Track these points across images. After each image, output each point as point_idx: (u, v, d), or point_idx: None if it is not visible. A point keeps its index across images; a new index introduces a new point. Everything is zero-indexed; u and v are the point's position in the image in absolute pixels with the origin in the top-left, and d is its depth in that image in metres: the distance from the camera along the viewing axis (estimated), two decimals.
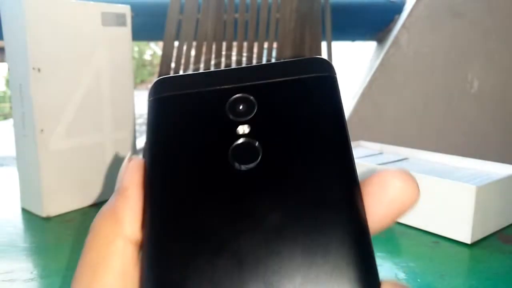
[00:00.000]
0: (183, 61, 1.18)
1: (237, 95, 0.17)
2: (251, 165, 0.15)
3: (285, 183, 0.15)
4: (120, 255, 0.17)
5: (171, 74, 1.16)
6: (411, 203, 0.17)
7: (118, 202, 0.19)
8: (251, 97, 0.17)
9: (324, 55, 1.30)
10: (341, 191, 0.15)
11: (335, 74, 0.18)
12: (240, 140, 0.16)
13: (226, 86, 0.17)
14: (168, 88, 0.18)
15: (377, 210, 0.16)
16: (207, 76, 0.18)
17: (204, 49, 1.15)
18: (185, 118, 0.17)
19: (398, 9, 1.46)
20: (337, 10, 1.31)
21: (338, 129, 0.16)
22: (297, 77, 0.17)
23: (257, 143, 0.16)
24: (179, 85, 0.18)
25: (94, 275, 0.18)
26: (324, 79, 0.18)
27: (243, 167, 0.15)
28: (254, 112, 0.17)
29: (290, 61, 0.19)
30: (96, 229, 0.19)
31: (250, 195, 0.15)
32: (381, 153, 0.60)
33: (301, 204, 0.15)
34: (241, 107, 0.17)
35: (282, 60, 0.19)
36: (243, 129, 0.16)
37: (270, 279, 0.14)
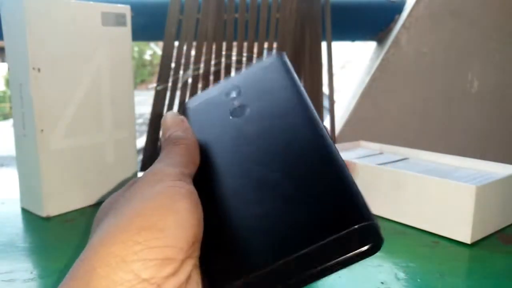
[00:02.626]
0: (183, 61, 1.18)
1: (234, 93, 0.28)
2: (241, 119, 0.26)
3: (261, 126, 0.25)
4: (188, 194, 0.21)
5: (171, 74, 1.16)
6: None
7: (178, 148, 0.24)
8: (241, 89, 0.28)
9: (324, 55, 1.30)
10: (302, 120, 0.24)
11: (284, 59, 0.29)
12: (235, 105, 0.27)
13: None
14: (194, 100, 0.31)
15: None
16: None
17: (204, 49, 1.15)
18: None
19: (398, 9, 1.46)
20: (337, 10, 1.31)
21: (296, 95, 0.25)
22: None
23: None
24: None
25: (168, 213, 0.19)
26: (275, 63, 0.28)
27: (238, 120, 0.26)
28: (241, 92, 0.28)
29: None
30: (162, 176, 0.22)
31: (241, 134, 0.25)
32: (381, 153, 0.60)
33: (274, 136, 0.24)
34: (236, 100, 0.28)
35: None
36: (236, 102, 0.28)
37: (255, 170, 0.22)
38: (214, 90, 0.30)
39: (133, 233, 0.18)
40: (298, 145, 0.22)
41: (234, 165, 0.24)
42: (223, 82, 0.30)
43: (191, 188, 0.21)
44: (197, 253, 0.20)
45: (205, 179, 0.24)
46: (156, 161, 0.24)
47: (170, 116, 0.27)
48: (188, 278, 0.19)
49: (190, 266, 0.19)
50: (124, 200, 0.20)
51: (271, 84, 0.26)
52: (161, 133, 0.27)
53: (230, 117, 0.26)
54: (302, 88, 0.25)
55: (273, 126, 0.24)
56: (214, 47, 1.18)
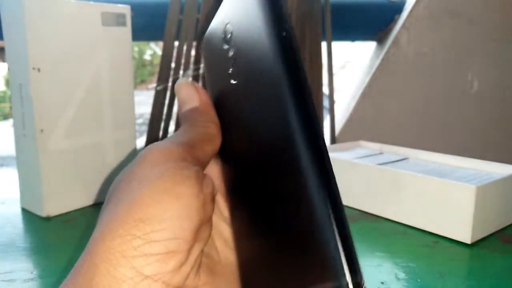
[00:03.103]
0: (183, 61, 1.18)
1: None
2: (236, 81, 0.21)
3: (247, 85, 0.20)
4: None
5: (171, 74, 1.16)
6: None
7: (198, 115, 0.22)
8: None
9: (324, 55, 1.30)
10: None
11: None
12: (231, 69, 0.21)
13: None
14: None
15: None
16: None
17: None
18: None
19: (398, 9, 1.46)
20: (337, 10, 1.30)
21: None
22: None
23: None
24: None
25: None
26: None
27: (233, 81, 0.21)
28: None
29: None
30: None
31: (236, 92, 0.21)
32: (381, 153, 0.60)
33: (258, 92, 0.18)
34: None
35: None
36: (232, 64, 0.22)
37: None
38: (214, 22, 0.24)
39: (131, 226, 0.17)
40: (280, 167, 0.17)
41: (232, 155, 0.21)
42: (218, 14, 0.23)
43: (195, 168, 0.19)
44: (205, 233, 0.19)
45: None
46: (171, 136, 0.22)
47: (184, 87, 0.23)
48: (197, 264, 0.19)
49: (198, 252, 0.19)
50: (125, 183, 0.19)
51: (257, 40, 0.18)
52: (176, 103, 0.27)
53: (230, 78, 0.21)
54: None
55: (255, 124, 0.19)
56: None
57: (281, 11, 0.17)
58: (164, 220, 0.17)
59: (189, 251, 0.18)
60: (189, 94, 0.23)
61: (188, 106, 0.23)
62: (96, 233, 0.18)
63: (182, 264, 0.18)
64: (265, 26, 0.17)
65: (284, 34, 0.16)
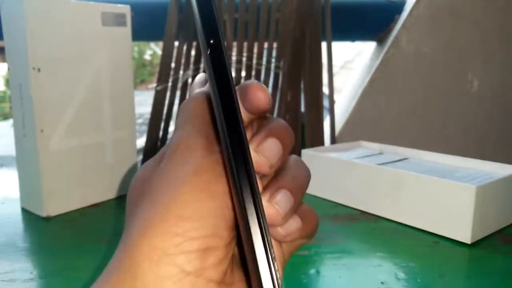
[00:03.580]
0: (183, 61, 1.18)
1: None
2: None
3: None
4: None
5: (171, 74, 1.16)
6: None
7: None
8: None
9: (324, 55, 1.30)
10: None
11: None
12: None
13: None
14: None
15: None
16: None
17: None
18: None
19: (398, 9, 1.46)
20: (337, 10, 1.31)
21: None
22: None
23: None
24: None
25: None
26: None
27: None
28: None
29: None
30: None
31: None
32: (381, 153, 0.60)
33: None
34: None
35: None
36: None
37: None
38: None
39: (171, 223, 0.18)
40: None
41: None
42: None
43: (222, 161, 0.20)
44: (236, 232, 0.19)
45: None
46: (176, 123, 0.22)
47: (198, 77, 0.25)
48: (232, 261, 0.19)
49: (233, 248, 0.19)
50: (157, 181, 0.19)
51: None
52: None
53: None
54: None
55: None
56: None
57: (211, 19, 0.21)
58: (202, 218, 0.18)
59: (226, 247, 0.18)
60: (200, 80, 0.25)
61: (196, 89, 0.24)
62: (134, 231, 0.18)
63: (220, 260, 0.18)
64: (200, 32, 0.21)
65: (212, 41, 0.20)
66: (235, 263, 0.20)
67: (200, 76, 0.25)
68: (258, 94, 0.20)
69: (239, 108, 0.19)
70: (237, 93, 0.20)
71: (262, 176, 0.20)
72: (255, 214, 0.17)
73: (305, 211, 0.21)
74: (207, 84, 0.23)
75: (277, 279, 0.17)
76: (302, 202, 0.21)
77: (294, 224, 0.20)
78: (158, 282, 0.17)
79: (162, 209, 0.18)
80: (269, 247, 0.17)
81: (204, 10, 0.20)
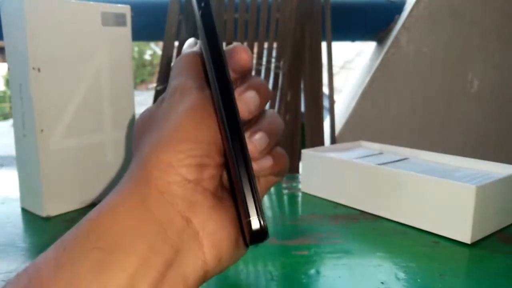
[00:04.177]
0: None
1: None
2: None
3: None
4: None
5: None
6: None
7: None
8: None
9: (324, 55, 1.30)
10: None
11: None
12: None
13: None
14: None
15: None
16: None
17: None
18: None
19: (398, 9, 1.46)
20: (337, 10, 1.31)
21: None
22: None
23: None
24: None
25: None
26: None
27: None
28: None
29: None
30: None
31: None
32: (381, 153, 0.60)
33: None
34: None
35: None
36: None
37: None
38: None
39: (175, 144, 0.22)
40: None
41: None
42: None
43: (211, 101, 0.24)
44: (224, 159, 0.24)
45: None
46: (171, 76, 0.27)
47: (187, 41, 0.30)
48: (221, 180, 0.25)
49: (222, 170, 0.24)
50: (161, 115, 0.24)
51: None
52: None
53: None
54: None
55: None
56: None
57: None
58: (200, 141, 0.23)
59: (217, 167, 0.24)
60: (189, 43, 0.29)
61: (186, 49, 0.28)
62: (145, 150, 0.23)
63: (213, 176, 0.23)
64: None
65: (202, 4, 0.24)
66: (224, 186, 0.26)
67: (190, 41, 0.30)
68: (242, 55, 0.24)
69: (227, 63, 0.24)
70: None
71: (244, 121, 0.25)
72: (239, 145, 0.22)
73: (277, 153, 0.26)
74: (197, 45, 0.28)
75: (256, 193, 0.22)
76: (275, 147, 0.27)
77: (266, 162, 0.25)
78: (166, 186, 0.22)
79: (167, 132, 0.23)
80: (249, 164, 0.22)
81: None
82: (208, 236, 0.23)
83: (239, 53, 0.24)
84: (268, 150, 0.25)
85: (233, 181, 0.23)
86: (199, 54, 0.27)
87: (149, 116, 0.26)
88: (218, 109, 0.23)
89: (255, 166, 0.25)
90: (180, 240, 0.22)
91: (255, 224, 0.22)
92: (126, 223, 0.21)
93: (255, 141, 0.24)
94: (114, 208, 0.22)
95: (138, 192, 0.22)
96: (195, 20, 0.25)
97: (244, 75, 0.26)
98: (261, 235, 0.22)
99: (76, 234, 0.22)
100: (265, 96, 0.25)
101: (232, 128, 0.22)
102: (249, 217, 0.22)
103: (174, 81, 0.26)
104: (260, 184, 0.27)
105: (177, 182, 0.22)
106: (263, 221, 0.22)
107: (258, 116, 0.26)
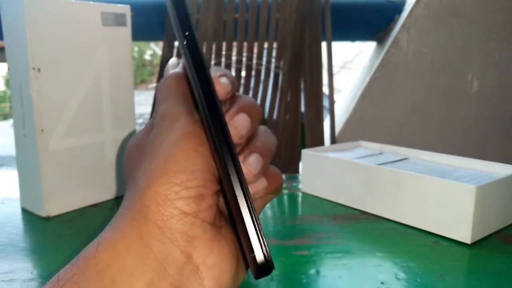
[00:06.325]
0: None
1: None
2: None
3: None
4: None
5: None
6: None
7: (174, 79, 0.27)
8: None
9: (324, 55, 1.30)
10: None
11: None
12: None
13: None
14: None
15: None
16: None
17: (204, 49, 1.15)
18: None
19: (398, 9, 1.46)
20: (337, 10, 1.31)
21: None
22: None
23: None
24: None
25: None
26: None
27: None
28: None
29: None
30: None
31: None
32: (381, 153, 0.60)
33: None
34: None
35: None
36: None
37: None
38: None
39: (171, 176, 0.22)
40: None
41: None
42: None
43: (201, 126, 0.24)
44: (220, 185, 0.24)
45: None
46: (157, 102, 0.26)
47: (171, 61, 0.30)
48: (218, 208, 0.24)
49: (218, 198, 0.24)
50: (153, 144, 0.24)
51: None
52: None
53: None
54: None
55: None
56: (214, 47, 1.18)
57: (185, 15, 0.24)
58: (195, 171, 0.22)
59: (213, 196, 0.23)
60: (172, 63, 0.29)
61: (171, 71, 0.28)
62: (140, 182, 0.23)
63: (211, 206, 0.23)
64: (176, 26, 0.24)
65: (186, 33, 0.24)
66: (221, 212, 0.25)
67: (172, 60, 0.30)
68: (218, 87, 0.24)
69: (215, 90, 0.23)
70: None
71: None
72: (234, 171, 0.22)
73: (271, 172, 0.26)
74: (179, 66, 0.28)
75: (258, 225, 0.22)
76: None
77: (261, 184, 0.25)
78: (164, 221, 0.22)
79: (162, 164, 0.22)
80: (248, 195, 0.22)
81: (179, 8, 0.24)
82: (209, 269, 0.22)
83: (217, 85, 0.24)
84: (262, 172, 0.25)
85: (230, 208, 0.22)
86: (184, 75, 0.27)
87: (140, 144, 0.25)
88: (210, 137, 0.23)
89: (251, 190, 0.24)
90: (180, 277, 0.22)
91: (260, 258, 0.22)
92: (124, 261, 0.21)
93: (249, 166, 0.24)
94: (112, 245, 0.21)
95: (136, 228, 0.22)
96: (180, 45, 0.25)
97: (231, 96, 0.25)
98: (267, 268, 0.22)
99: (72, 272, 0.21)
100: (256, 118, 0.25)
101: (226, 157, 0.22)
102: (253, 252, 0.21)
103: (162, 106, 0.25)
104: (256, 203, 0.26)
105: (174, 216, 0.22)
106: (268, 254, 0.22)
107: (251, 136, 0.25)
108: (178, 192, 0.22)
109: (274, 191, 0.26)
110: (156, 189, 0.22)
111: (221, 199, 0.25)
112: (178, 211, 0.22)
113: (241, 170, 0.22)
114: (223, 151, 0.22)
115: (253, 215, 0.22)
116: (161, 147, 0.23)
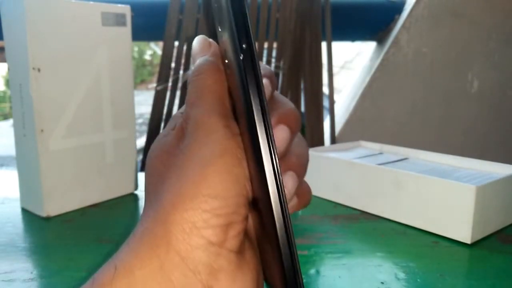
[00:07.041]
0: (183, 61, 1.18)
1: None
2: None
3: None
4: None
5: (171, 74, 1.16)
6: None
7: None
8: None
9: (324, 55, 1.30)
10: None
11: None
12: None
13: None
14: None
15: None
16: None
17: None
18: None
19: (398, 9, 1.46)
20: (337, 10, 1.31)
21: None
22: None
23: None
24: None
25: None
26: None
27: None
28: None
29: None
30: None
31: None
32: (381, 153, 0.60)
33: None
34: None
35: None
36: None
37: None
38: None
39: (201, 201, 0.20)
40: None
41: None
42: None
43: (242, 146, 0.21)
44: (249, 210, 0.22)
45: None
46: (189, 102, 0.23)
47: (197, 40, 0.25)
48: (246, 233, 0.22)
49: (246, 222, 0.22)
50: (184, 158, 0.21)
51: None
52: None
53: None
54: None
55: None
56: None
57: (243, 23, 0.20)
58: (227, 198, 0.20)
59: (243, 222, 0.21)
60: (202, 47, 0.25)
61: (200, 56, 0.24)
62: (165, 203, 0.21)
63: (239, 233, 0.21)
64: (233, 36, 0.20)
65: (244, 46, 0.19)
66: (246, 233, 0.23)
67: (200, 39, 0.25)
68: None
69: (269, 119, 0.19)
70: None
71: None
72: (277, 197, 0.19)
73: (303, 189, 0.23)
74: (211, 51, 0.24)
75: (298, 266, 0.20)
76: None
77: (292, 204, 0.23)
78: (189, 250, 0.20)
79: (192, 186, 0.20)
80: (289, 227, 0.20)
81: (237, 14, 0.20)
82: None
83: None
84: (298, 189, 0.22)
85: (265, 233, 0.21)
86: (218, 66, 0.23)
87: (169, 152, 0.23)
88: (257, 165, 0.19)
89: None
90: None
91: None
92: None
93: (284, 186, 0.21)
94: (130, 273, 0.20)
95: (157, 256, 0.20)
96: (232, 57, 0.20)
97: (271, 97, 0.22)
98: None
99: None
100: (296, 129, 0.22)
101: (272, 184, 0.19)
102: None
103: (195, 109, 0.22)
104: None
105: (200, 246, 0.20)
106: None
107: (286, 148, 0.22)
108: (207, 220, 0.20)
109: (302, 207, 0.24)
110: (183, 214, 0.20)
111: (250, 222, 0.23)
112: (204, 241, 0.20)
113: (285, 196, 0.19)
114: (268, 177, 0.19)
115: (293, 252, 0.20)
116: (191, 163, 0.21)
